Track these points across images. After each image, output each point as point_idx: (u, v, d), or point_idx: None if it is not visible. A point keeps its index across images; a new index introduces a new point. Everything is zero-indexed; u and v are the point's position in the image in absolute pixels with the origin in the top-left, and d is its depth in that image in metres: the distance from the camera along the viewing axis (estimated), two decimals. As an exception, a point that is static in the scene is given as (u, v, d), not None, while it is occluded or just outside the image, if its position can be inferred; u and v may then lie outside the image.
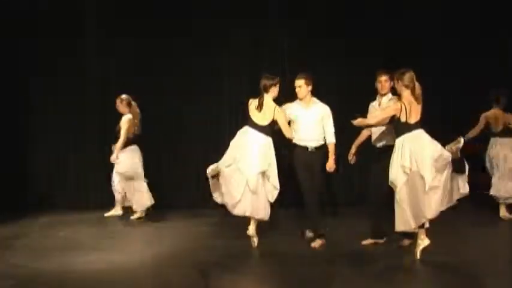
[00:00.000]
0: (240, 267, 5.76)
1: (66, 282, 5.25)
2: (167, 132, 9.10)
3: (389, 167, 5.74)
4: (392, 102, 6.14)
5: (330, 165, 6.37)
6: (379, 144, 6.31)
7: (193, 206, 8.74)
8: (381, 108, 6.22)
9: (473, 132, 7.79)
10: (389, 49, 8.74)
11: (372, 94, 6.46)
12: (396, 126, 5.77)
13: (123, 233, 7.45)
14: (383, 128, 6.19)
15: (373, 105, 6.45)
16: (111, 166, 8.11)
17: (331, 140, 6.39)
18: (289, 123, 6.38)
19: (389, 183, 5.77)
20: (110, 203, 8.39)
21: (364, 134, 6.50)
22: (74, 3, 9.03)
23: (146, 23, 8.95)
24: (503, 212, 7.78)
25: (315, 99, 6.42)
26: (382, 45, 8.87)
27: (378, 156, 6.25)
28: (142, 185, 8.06)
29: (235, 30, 9.03)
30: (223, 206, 6.36)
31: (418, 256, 5.73)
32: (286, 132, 6.33)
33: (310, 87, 6.29)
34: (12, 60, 8.99)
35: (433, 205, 5.55)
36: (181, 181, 9.08)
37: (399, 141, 5.72)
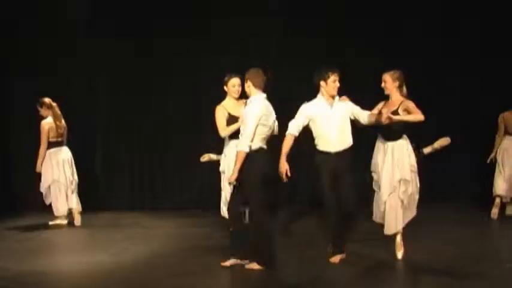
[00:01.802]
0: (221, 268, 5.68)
1: (47, 283, 5.25)
2: (167, 133, 9.15)
3: (400, 167, 5.63)
4: (343, 102, 5.82)
5: (229, 177, 5.49)
6: (344, 147, 5.69)
7: (188, 207, 8.78)
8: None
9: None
10: (388, 50, 8.73)
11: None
12: (403, 126, 5.69)
13: (109, 234, 7.41)
14: (348, 129, 5.76)
15: (316, 105, 5.70)
16: (95, 167, 8.21)
17: (238, 147, 5.41)
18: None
19: (399, 183, 5.65)
20: (91, 204, 8.41)
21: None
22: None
23: (145, 23, 8.97)
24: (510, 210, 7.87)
25: (250, 98, 5.53)
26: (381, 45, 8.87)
27: (342, 161, 5.63)
28: (59, 191, 7.76)
29: (231, 29, 8.99)
30: None
31: (400, 257, 5.70)
32: (219, 131, 6.08)
33: (248, 83, 5.51)
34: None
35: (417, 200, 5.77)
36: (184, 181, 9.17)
37: (405, 141, 5.74)
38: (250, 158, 5.32)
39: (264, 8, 8.88)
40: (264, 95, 5.49)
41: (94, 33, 9.00)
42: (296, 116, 5.69)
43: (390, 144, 5.72)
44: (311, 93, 5.82)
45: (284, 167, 5.50)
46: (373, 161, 5.87)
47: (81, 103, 9.04)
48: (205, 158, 6.58)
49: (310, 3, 8.87)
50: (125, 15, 8.96)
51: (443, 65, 8.88)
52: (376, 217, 5.85)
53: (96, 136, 9.25)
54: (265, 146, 5.44)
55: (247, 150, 5.30)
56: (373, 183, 5.89)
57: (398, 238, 5.73)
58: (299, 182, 8.39)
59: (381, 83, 5.81)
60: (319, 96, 5.75)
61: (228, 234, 5.68)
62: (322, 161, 5.67)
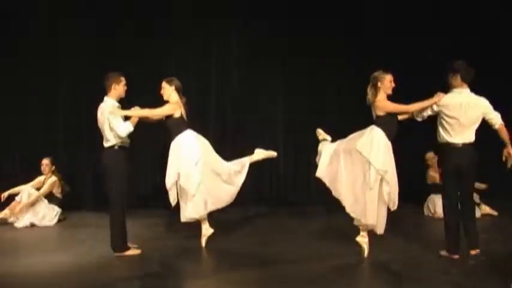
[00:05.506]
0: (188, 266, 5.72)
1: (10, 284, 5.15)
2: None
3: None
4: None
5: None
6: None
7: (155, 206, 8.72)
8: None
9: None
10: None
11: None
12: None
13: (71, 234, 7.32)
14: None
15: None
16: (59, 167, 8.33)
17: None
18: None
19: None
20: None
21: None
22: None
23: (143, 23, 9.01)
24: None
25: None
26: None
27: None
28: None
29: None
30: None
31: (366, 255, 5.67)
32: None
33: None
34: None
35: None
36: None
37: None
38: None
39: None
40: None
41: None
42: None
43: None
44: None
45: None
46: (383, 159, 5.46)
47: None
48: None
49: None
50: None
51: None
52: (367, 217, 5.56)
53: (57, 135, 9.24)
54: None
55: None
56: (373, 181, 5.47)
57: (366, 236, 5.69)
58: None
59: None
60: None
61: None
62: None
